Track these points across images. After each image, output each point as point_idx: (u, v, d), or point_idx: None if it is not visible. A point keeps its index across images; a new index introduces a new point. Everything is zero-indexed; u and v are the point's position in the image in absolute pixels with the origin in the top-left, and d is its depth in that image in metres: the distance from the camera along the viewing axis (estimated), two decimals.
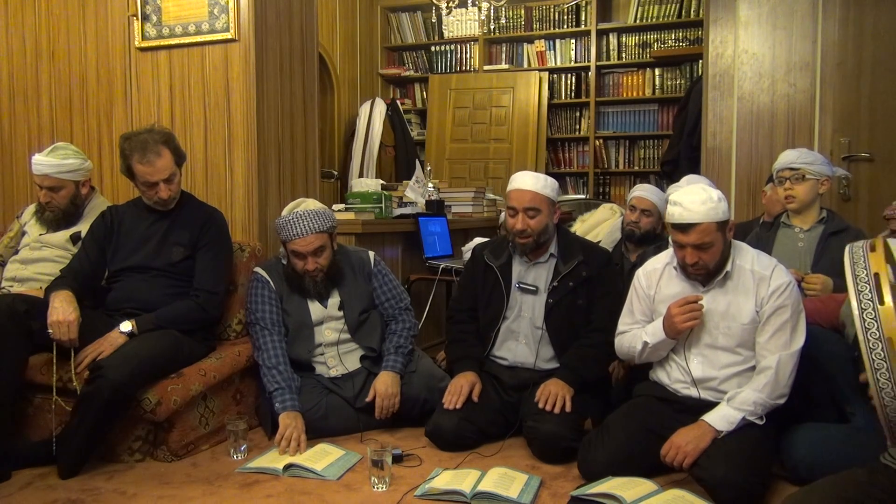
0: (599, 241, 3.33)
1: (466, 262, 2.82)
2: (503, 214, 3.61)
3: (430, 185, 4.22)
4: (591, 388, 2.48)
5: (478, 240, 3.16)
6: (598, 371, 2.52)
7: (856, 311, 1.27)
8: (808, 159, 2.63)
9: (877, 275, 1.28)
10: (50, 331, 2.23)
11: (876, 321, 1.24)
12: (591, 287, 2.53)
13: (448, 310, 2.79)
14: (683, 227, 2.07)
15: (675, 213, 2.08)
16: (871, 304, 1.26)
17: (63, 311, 2.24)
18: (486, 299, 2.62)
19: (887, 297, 1.25)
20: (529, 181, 2.50)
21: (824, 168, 2.64)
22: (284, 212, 2.63)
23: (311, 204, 2.63)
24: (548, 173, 5.97)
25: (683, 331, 2.13)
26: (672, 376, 2.23)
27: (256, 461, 2.28)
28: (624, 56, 5.87)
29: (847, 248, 1.36)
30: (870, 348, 1.25)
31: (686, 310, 2.10)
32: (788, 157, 2.67)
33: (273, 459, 2.27)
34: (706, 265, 2.11)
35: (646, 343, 2.20)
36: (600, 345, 2.47)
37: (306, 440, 2.37)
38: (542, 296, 2.55)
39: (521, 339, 2.58)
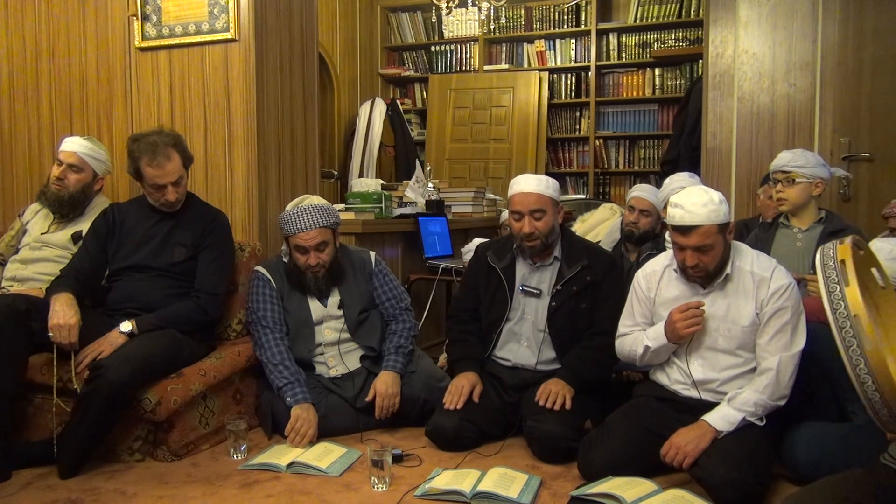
0: (599, 241, 3.33)
1: (469, 262, 2.81)
2: (504, 214, 3.59)
3: (430, 185, 4.22)
4: (591, 390, 2.48)
5: (477, 240, 3.15)
6: (598, 373, 2.51)
7: (825, 295, 1.42)
8: (801, 162, 2.61)
9: (843, 261, 1.42)
10: (51, 334, 2.23)
11: (843, 301, 1.38)
12: (595, 290, 2.52)
13: (450, 309, 2.78)
14: (684, 230, 2.07)
15: (675, 216, 2.08)
16: (837, 286, 1.40)
17: (64, 314, 2.24)
18: (488, 301, 2.62)
19: (852, 281, 1.39)
20: (532, 183, 2.48)
21: (818, 170, 2.61)
22: (289, 207, 2.64)
23: (315, 199, 2.65)
24: (548, 173, 6.06)
25: (686, 336, 2.13)
26: (672, 377, 2.23)
27: (259, 457, 2.29)
28: (624, 56, 5.87)
29: (819, 249, 1.51)
30: (839, 326, 1.38)
31: (688, 315, 2.10)
32: (782, 160, 2.66)
33: (276, 455, 2.28)
34: (706, 267, 2.10)
35: (647, 347, 2.21)
36: (602, 347, 2.46)
37: (316, 433, 2.39)
38: (546, 299, 2.54)
39: (523, 341, 2.58)
